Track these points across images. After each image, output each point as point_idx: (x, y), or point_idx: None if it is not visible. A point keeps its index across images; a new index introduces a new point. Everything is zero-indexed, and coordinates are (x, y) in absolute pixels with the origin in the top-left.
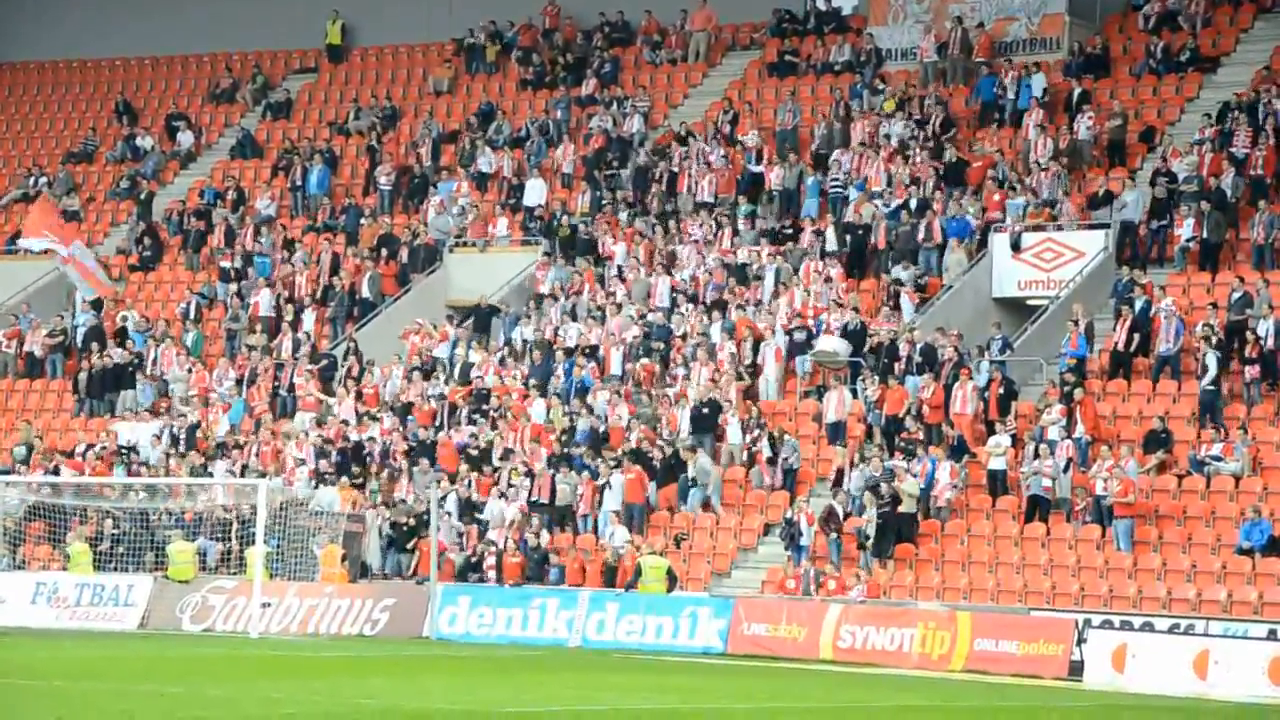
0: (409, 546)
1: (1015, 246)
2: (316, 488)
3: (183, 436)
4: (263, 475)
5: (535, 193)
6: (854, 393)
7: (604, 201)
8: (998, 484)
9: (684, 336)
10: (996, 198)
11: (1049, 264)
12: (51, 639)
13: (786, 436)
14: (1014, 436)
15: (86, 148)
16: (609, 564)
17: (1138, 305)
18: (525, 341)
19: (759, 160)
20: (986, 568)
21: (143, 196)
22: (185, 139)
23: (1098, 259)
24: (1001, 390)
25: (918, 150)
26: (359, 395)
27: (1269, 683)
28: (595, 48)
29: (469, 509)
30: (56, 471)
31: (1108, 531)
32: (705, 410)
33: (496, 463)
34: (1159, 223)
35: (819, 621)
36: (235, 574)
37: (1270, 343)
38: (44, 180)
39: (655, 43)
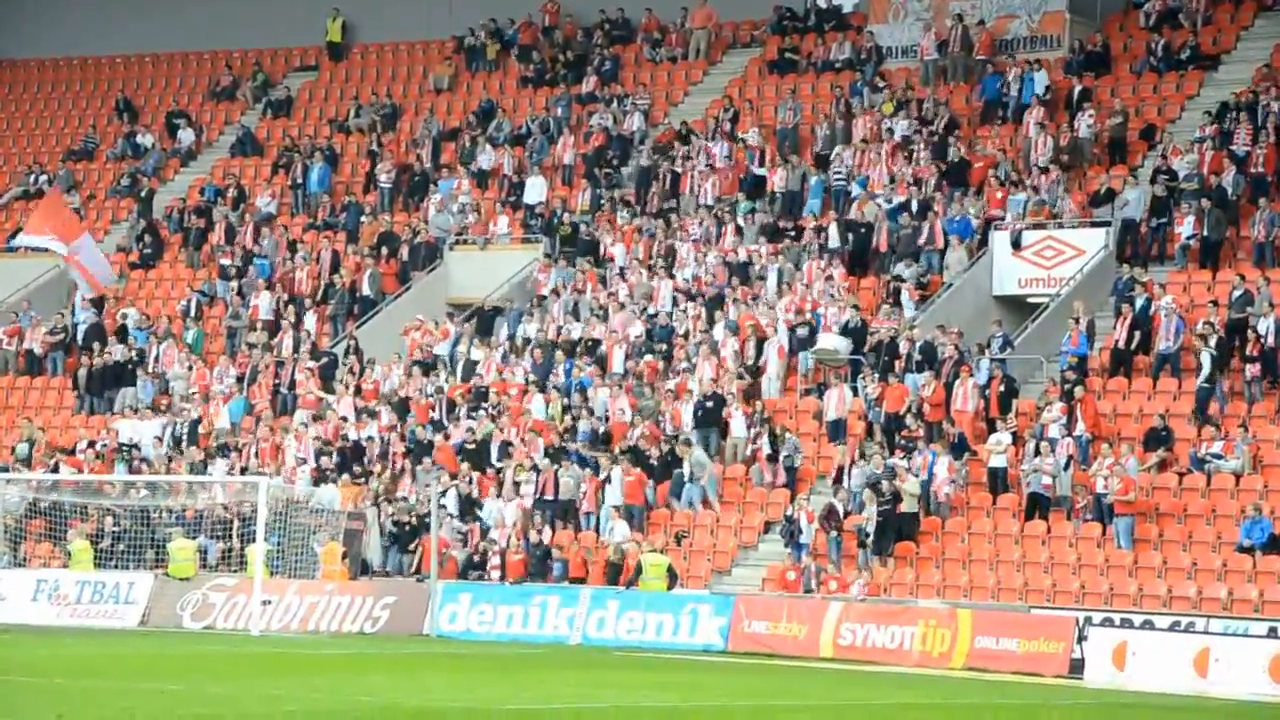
0: (411, 546)
1: (1016, 244)
2: (317, 485)
3: (185, 434)
4: (262, 473)
5: (535, 190)
6: (854, 391)
7: (603, 200)
8: (998, 482)
9: (686, 334)
10: (999, 195)
11: (1049, 262)
12: (52, 636)
13: (788, 435)
14: (1014, 434)
15: (87, 145)
16: (613, 563)
17: (1138, 303)
18: (527, 339)
19: (762, 162)
20: (987, 565)
21: (143, 194)
22: (186, 137)
23: (1098, 257)
24: (1002, 388)
25: (921, 147)
26: (358, 391)
27: (1269, 680)
28: (595, 45)
29: (470, 507)
30: (56, 469)
31: (1108, 529)
32: (709, 404)
33: (498, 461)
34: (1158, 220)
35: (819, 619)
36: (236, 572)
37: (1271, 341)
38: (44, 178)
39: (656, 40)
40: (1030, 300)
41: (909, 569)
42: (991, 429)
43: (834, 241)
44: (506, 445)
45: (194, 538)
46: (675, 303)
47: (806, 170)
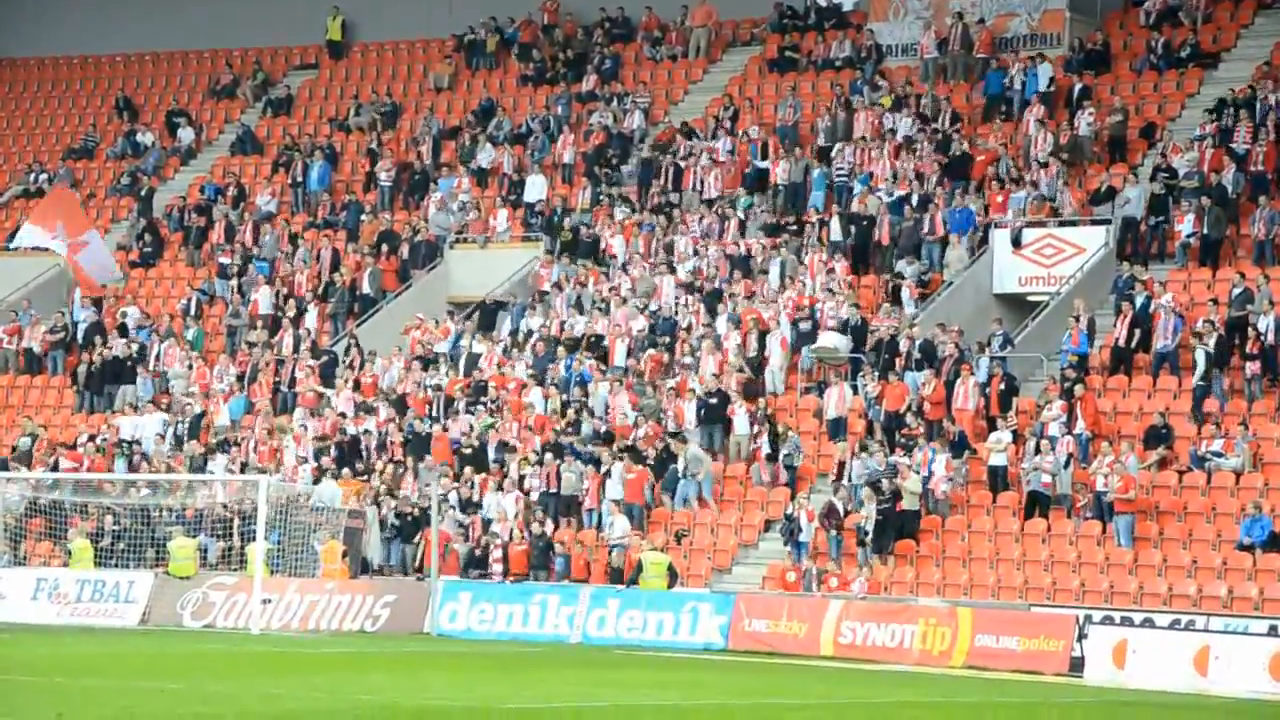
0: (415, 539)
1: (1016, 242)
2: (317, 483)
3: (186, 430)
4: (263, 471)
5: (536, 189)
6: (854, 389)
7: (603, 197)
8: (998, 480)
9: (689, 328)
10: (999, 197)
11: (1050, 260)
12: (52, 635)
13: (790, 434)
14: (1015, 432)
15: (87, 144)
16: (615, 567)
17: (1138, 301)
18: (530, 333)
19: (764, 155)
20: (987, 564)
21: (143, 193)
22: (186, 135)
23: (1098, 255)
24: (1003, 386)
25: (925, 143)
26: (356, 386)
27: (1269, 678)
28: (596, 44)
29: (472, 505)
30: (56, 465)
31: (1108, 527)
32: (713, 401)
33: (504, 455)
34: (1156, 218)
35: (820, 618)
36: (236, 570)
37: (1271, 338)
38: (45, 176)
39: (656, 39)
40: (1030, 298)
41: (909, 567)
42: (992, 427)
43: (836, 235)
44: (504, 444)
45: (194, 536)
46: (677, 297)
47: (809, 163)
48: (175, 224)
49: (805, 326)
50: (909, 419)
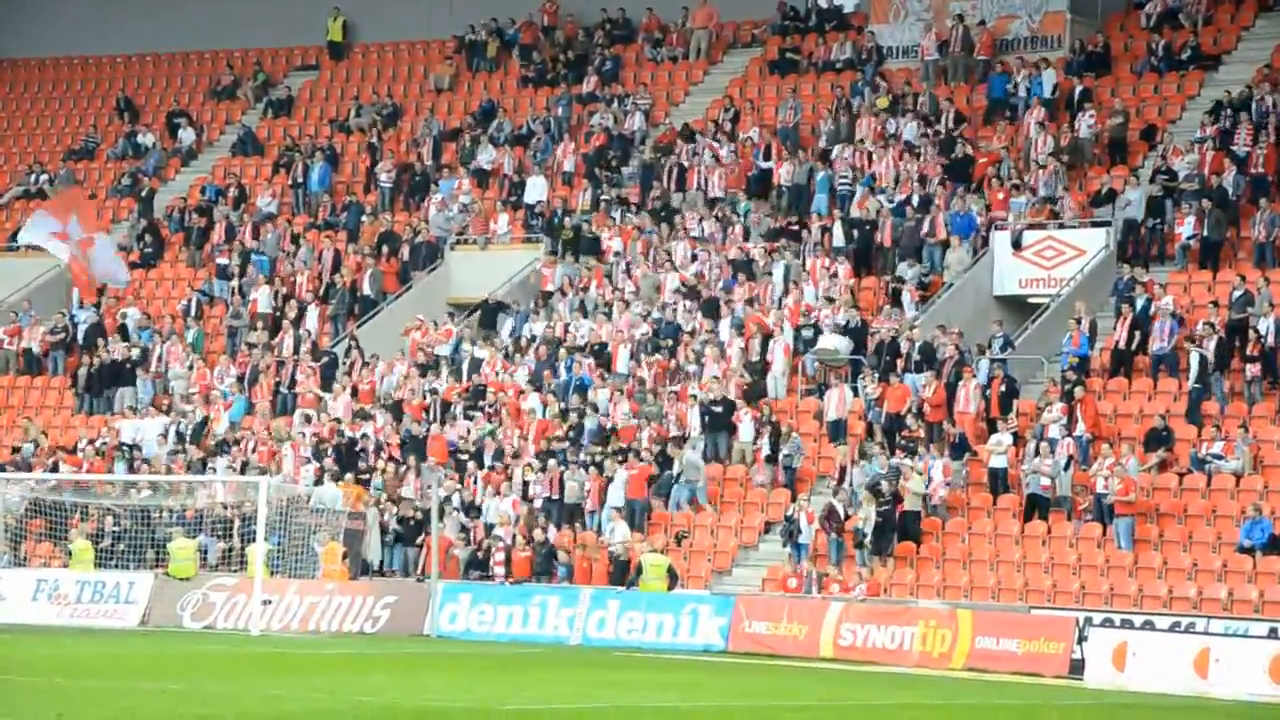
0: (417, 541)
1: (1016, 244)
2: (318, 484)
3: (189, 434)
4: (264, 472)
5: (536, 190)
6: (855, 391)
7: (604, 199)
8: (999, 482)
9: (692, 333)
10: (1001, 196)
11: (1050, 262)
12: (52, 636)
13: (793, 435)
14: (1015, 435)
15: (88, 145)
16: (619, 560)
17: (1139, 304)
18: (533, 337)
19: (767, 157)
20: (987, 566)
21: (144, 193)
22: (186, 136)
23: (1099, 257)
24: (1003, 388)
25: (928, 146)
26: (355, 391)
27: (1269, 681)
28: (596, 45)
29: (474, 508)
30: (56, 467)
31: (1108, 530)
32: (718, 409)
33: (507, 460)
34: (1155, 220)
35: (820, 620)
36: (236, 571)
37: (1271, 341)
38: (45, 177)
39: (656, 40)
40: (1031, 300)
41: (909, 569)
42: (992, 429)
43: (839, 239)
44: (500, 451)
45: (194, 537)
46: (674, 302)
47: (813, 166)
48: (176, 225)
49: (808, 334)
50: (909, 421)
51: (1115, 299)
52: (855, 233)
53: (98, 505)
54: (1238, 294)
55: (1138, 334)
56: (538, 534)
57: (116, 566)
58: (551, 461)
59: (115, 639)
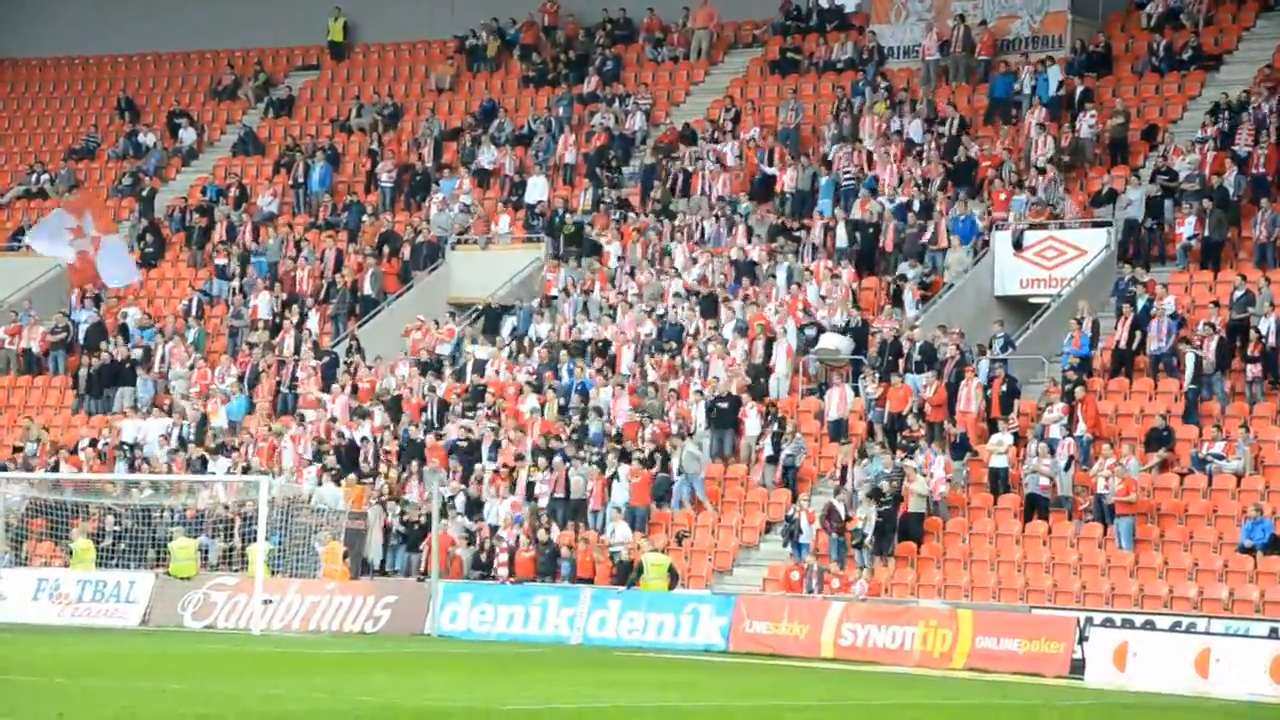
0: (421, 545)
1: (1017, 245)
2: (320, 484)
3: (192, 434)
4: (265, 472)
5: (537, 190)
6: (855, 391)
7: (605, 199)
8: (999, 482)
9: (696, 333)
10: (1003, 197)
11: (1051, 262)
12: (53, 635)
13: (797, 434)
14: (1016, 435)
15: (89, 144)
16: (624, 561)
17: (1140, 304)
18: (538, 339)
19: (771, 161)
20: (988, 566)
21: (145, 193)
22: (187, 136)
23: (1100, 257)
24: (1004, 388)
25: (932, 147)
26: (354, 390)
27: (1270, 681)
28: (597, 45)
29: (477, 508)
30: (57, 467)
31: (1109, 530)
32: (724, 405)
33: (510, 461)
34: (1154, 220)
35: (820, 619)
36: (237, 571)
37: (1272, 341)
38: (46, 177)
39: (657, 40)
40: (1032, 300)
41: (910, 569)
42: (993, 429)
43: (842, 241)
44: (496, 444)
45: (195, 537)
46: (674, 305)
47: (817, 171)
48: (177, 225)
49: (811, 333)
50: (910, 421)
51: (1116, 299)
52: (858, 235)
53: (99, 505)
54: (1239, 294)
55: (1138, 334)
56: (541, 534)
57: (117, 566)
58: (557, 459)
59: (116, 638)
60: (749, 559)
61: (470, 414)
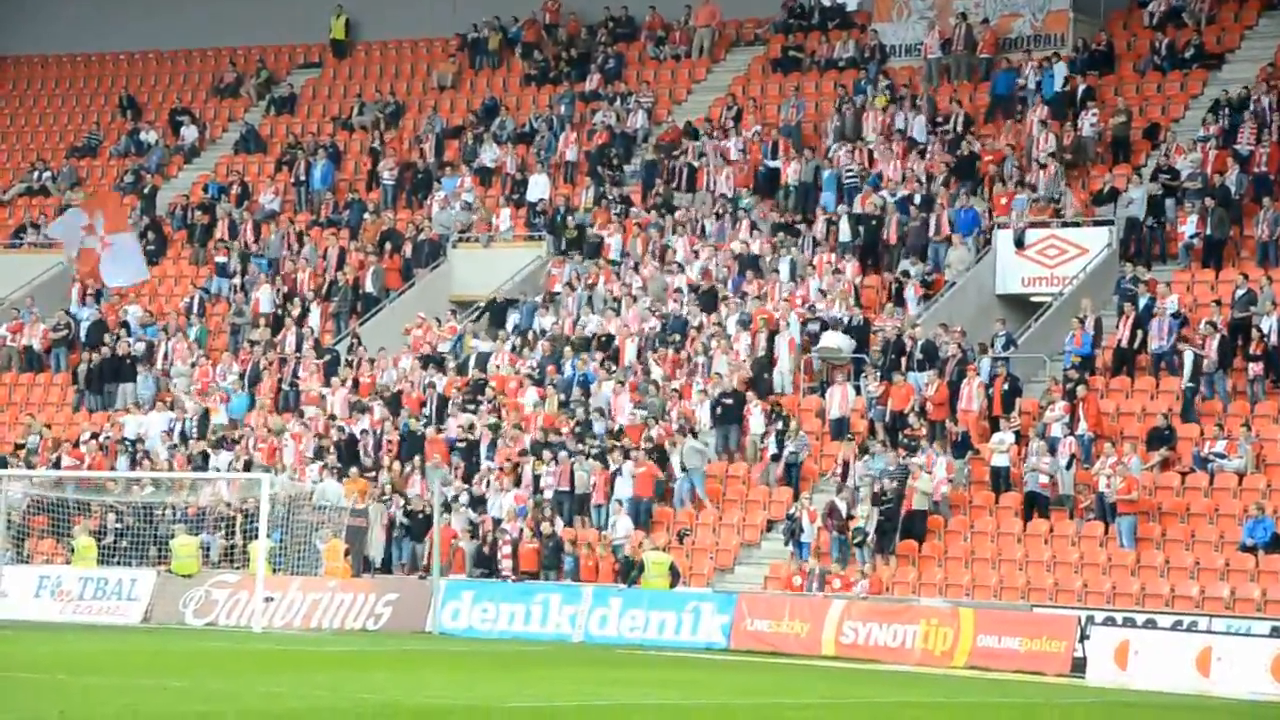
0: (425, 537)
1: (1019, 243)
2: (320, 481)
3: (194, 430)
4: (267, 470)
5: (538, 188)
6: (857, 389)
7: (606, 197)
8: (1001, 481)
9: (699, 328)
10: (1004, 201)
11: (1053, 261)
12: (55, 633)
13: (800, 432)
14: (1018, 433)
15: (90, 142)
16: (626, 556)
17: (1141, 302)
18: (542, 331)
19: (775, 155)
20: (989, 564)
21: (146, 191)
22: (189, 133)
23: (1101, 256)
24: (1006, 387)
25: (936, 144)
26: (355, 385)
27: (1272, 680)
28: (599, 43)
29: (481, 501)
30: (59, 464)
31: (1111, 528)
32: (729, 402)
33: (514, 456)
34: (1156, 219)
35: (821, 618)
36: (238, 568)
37: (1274, 339)
38: (48, 174)
39: (659, 38)
40: (1033, 299)
41: (911, 567)
42: (995, 428)
43: (845, 235)
44: (493, 445)
45: (197, 534)
46: (675, 300)
47: (820, 164)
48: (179, 222)
49: (813, 328)
50: (911, 419)
51: (1118, 298)
52: (861, 229)
53: (100, 502)
54: (1240, 293)
55: (1140, 333)
56: (545, 527)
57: (119, 563)
58: (563, 453)
59: (118, 636)
60: (750, 557)
61: (470, 408)
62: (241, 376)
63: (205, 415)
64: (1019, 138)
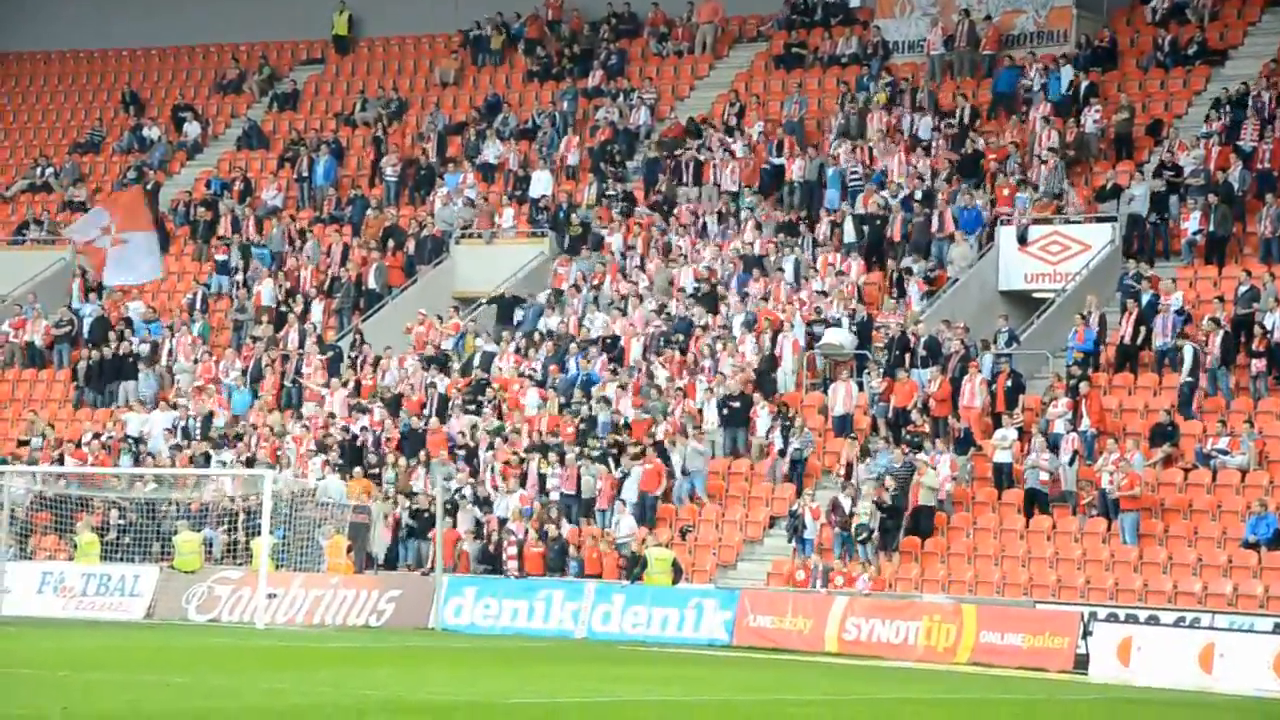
0: (430, 535)
1: (1022, 239)
2: (323, 478)
3: (198, 427)
4: (271, 466)
5: (541, 184)
6: (860, 386)
7: (608, 194)
8: (1004, 477)
9: (705, 327)
10: (1006, 192)
11: (1055, 257)
12: (58, 629)
13: (805, 429)
14: (1020, 430)
15: (93, 138)
16: (629, 556)
17: (1144, 299)
18: (549, 332)
19: (780, 153)
20: (992, 561)
21: (149, 187)
22: (192, 130)
23: (1104, 252)
24: (1009, 383)
25: (940, 141)
26: (358, 385)
27: (1274, 676)
28: (601, 39)
29: (486, 503)
30: (62, 460)
31: (1113, 525)
32: (736, 404)
33: (521, 454)
34: (1159, 216)
35: (824, 614)
36: (241, 565)
37: (1277, 336)
38: (51, 170)
39: (662, 34)
40: (1036, 295)
41: (914, 564)
42: (997, 424)
43: (849, 235)
44: (491, 447)
45: (199, 530)
46: (676, 300)
47: (824, 162)
48: (181, 218)
49: (818, 328)
50: (914, 416)
51: (1121, 294)
52: (865, 228)
53: (103, 499)
54: (1243, 289)
55: (1143, 329)
56: (550, 529)
57: (122, 560)
58: (569, 455)
59: (120, 632)
60: (753, 554)
61: (470, 408)
62: (244, 373)
63: (210, 415)
64: (1022, 135)
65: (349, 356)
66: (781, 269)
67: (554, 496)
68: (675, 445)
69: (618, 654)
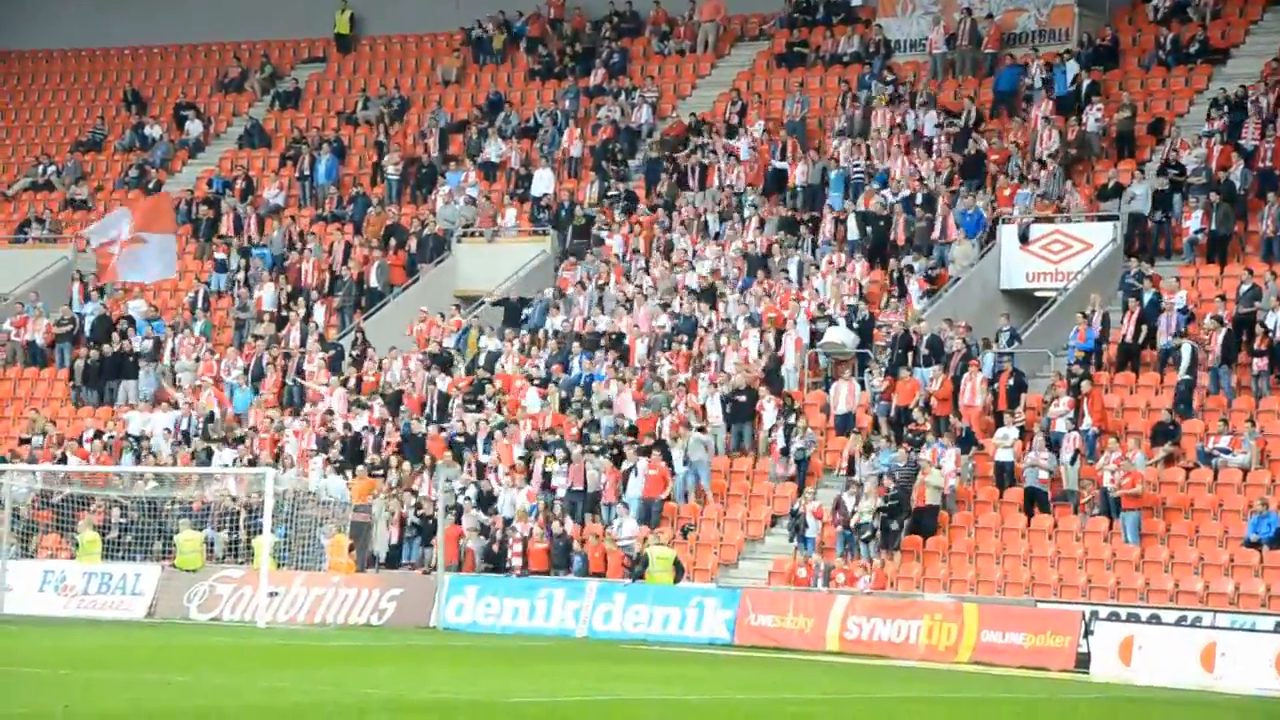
0: (433, 541)
1: (1023, 238)
2: (325, 477)
3: (200, 427)
4: (273, 465)
5: (543, 183)
6: (862, 384)
7: (610, 192)
8: (1005, 476)
9: (709, 326)
10: (1007, 192)
11: (1057, 256)
12: (59, 628)
13: (809, 429)
14: (1022, 428)
15: (95, 137)
16: (632, 556)
17: (1146, 298)
18: (554, 331)
19: (783, 155)
20: (993, 559)
21: (151, 185)
22: (194, 128)
23: (1106, 251)
24: (1010, 382)
25: (943, 140)
26: (359, 383)
27: (1277, 676)
28: (603, 38)
29: (490, 500)
30: (64, 459)
31: (1115, 523)
32: (741, 399)
33: (527, 452)
34: (1161, 214)
35: (826, 613)
36: (243, 563)
37: (1278, 335)
38: (52, 169)
39: (664, 33)
40: (1038, 294)
41: (915, 563)
42: (999, 423)
43: (853, 234)
44: (489, 440)
45: (201, 529)
46: (680, 300)
47: (827, 165)
48: (183, 217)
49: (822, 325)
50: (916, 415)
51: (1122, 293)
52: (869, 228)
53: (105, 497)
54: (1245, 288)
55: (1144, 328)
56: (555, 526)
57: (123, 558)
58: (576, 451)
59: (122, 631)
60: (754, 552)
61: (470, 406)
62: (246, 371)
63: (211, 415)
64: (1024, 135)
65: (350, 354)
66: (785, 270)
67: (560, 494)
68: (678, 440)
69: (619, 653)
